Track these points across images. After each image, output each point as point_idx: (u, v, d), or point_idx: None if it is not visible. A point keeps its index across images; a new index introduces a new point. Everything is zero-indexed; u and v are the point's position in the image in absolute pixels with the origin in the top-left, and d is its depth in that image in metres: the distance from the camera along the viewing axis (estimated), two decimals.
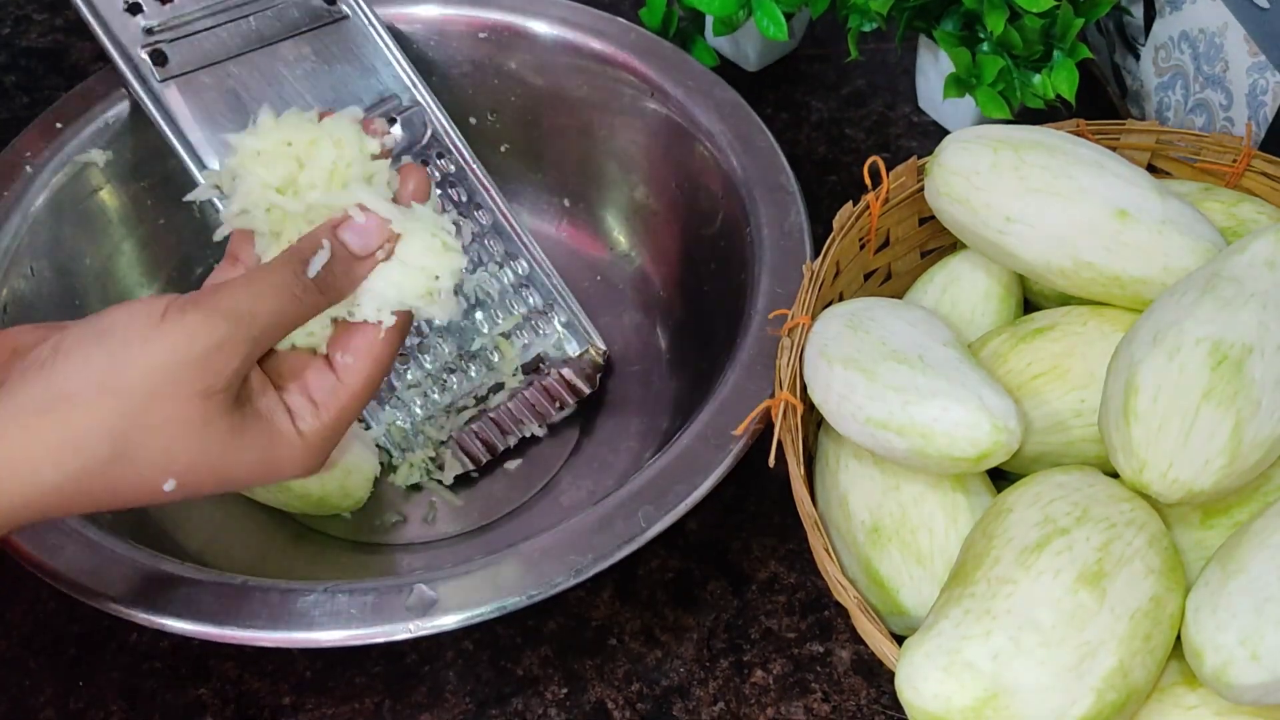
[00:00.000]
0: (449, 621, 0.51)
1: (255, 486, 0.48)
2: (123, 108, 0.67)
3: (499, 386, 0.69)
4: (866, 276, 0.64)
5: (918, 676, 0.45)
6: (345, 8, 0.69)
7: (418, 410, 0.67)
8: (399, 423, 0.67)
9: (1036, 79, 0.72)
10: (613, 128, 0.74)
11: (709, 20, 0.81)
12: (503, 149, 0.77)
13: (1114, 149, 0.62)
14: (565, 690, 0.57)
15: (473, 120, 0.75)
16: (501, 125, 0.76)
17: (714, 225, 0.69)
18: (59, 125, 0.66)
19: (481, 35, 0.74)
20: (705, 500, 0.55)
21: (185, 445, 0.41)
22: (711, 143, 0.69)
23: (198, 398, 0.41)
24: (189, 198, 0.63)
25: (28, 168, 0.65)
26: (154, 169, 0.68)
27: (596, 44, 0.73)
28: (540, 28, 0.73)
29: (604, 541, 0.53)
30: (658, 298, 0.74)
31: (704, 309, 0.70)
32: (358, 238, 0.45)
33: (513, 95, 0.75)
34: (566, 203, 0.77)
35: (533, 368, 0.70)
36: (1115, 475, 0.50)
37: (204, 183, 0.63)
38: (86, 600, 0.52)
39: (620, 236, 0.76)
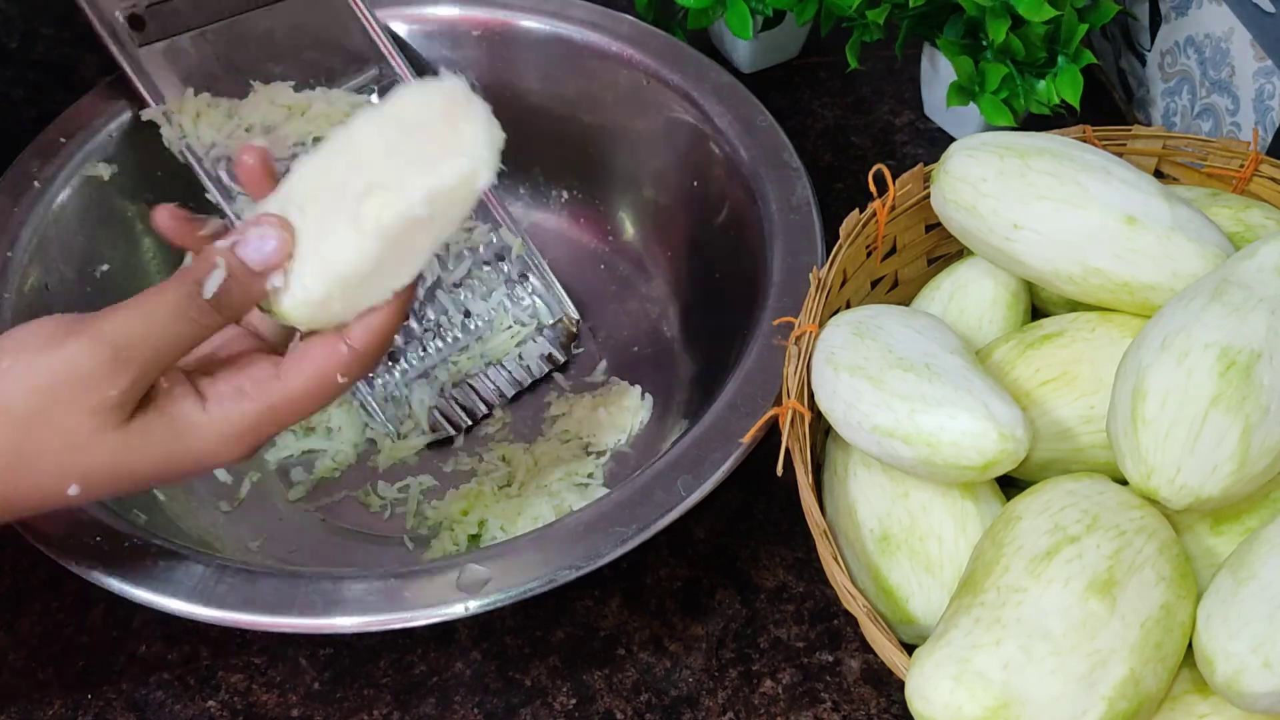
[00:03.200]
0: (503, 597, 0.51)
1: (174, 480, 0.46)
2: (125, 119, 0.68)
3: (477, 355, 0.70)
4: (873, 284, 0.64)
5: (928, 686, 0.45)
6: None
7: (397, 374, 0.68)
8: (380, 381, 0.68)
9: (1041, 85, 0.72)
10: (612, 117, 0.75)
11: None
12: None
13: (1120, 155, 0.62)
14: (574, 701, 0.57)
15: None
16: (500, 121, 0.76)
17: (720, 206, 0.70)
18: (63, 140, 0.67)
19: (475, 33, 0.75)
20: (713, 508, 0.55)
21: (78, 457, 0.43)
22: (712, 126, 0.69)
23: (85, 414, 0.42)
24: (145, 115, 0.65)
25: (35, 183, 0.65)
26: (159, 180, 0.68)
27: (591, 36, 0.73)
28: (535, 24, 0.74)
29: (645, 511, 0.53)
30: (664, 282, 0.74)
31: (714, 290, 0.70)
32: (256, 252, 0.44)
33: (511, 91, 0.76)
34: (567, 194, 0.77)
35: (509, 336, 0.71)
36: (1125, 482, 0.50)
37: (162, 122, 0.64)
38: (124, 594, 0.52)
39: (624, 224, 0.76)
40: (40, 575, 0.61)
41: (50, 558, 0.53)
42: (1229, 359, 0.47)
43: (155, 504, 0.61)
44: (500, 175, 0.77)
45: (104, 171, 0.67)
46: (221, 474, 0.66)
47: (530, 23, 0.74)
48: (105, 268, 0.67)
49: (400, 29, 0.74)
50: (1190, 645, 0.46)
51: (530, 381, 0.70)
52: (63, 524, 0.53)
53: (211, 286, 0.43)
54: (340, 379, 0.46)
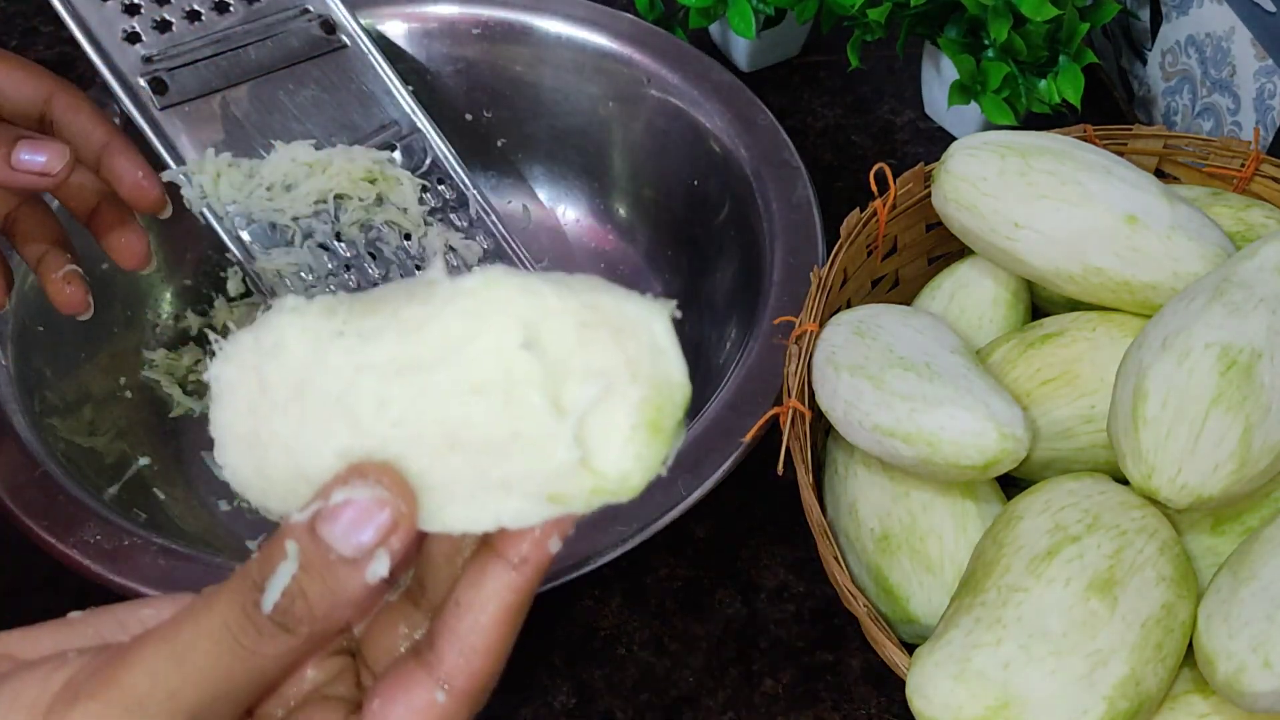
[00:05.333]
0: None
1: None
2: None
3: None
4: (874, 283, 0.64)
5: (928, 685, 0.45)
6: (344, 37, 0.69)
7: None
8: None
9: (1042, 84, 0.72)
10: (612, 116, 0.75)
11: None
12: (500, 144, 0.77)
13: (1121, 154, 0.62)
14: (574, 700, 0.57)
15: (468, 117, 0.76)
16: (498, 120, 0.77)
17: (721, 205, 0.70)
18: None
19: (475, 31, 0.74)
20: (713, 507, 0.55)
21: None
22: (712, 125, 0.69)
23: None
24: (165, 176, 0.64)
25: None
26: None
27: (592, 35, 0.73)
28: (534, 22, 0.74)
29: (645, 510, 0.53)
30: (664, 282, 0.74)
31: (714, 290, 0.70)
32: (347, 530, 0.27)
33: (508, 90, 0.76)
34: (567, 193, 0.77)
35: None
36: (1125, 482, 0.50)
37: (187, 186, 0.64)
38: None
39: (624, 223, 0.76)
40: (40, 573, 0.61)
41: (50, 556, 0.53)
42: (1230, 359, 0.47)
43: (156, 503, 0.61)
44: (499, 176, 0.78)
45: None
46: (221, 473, 0.66)
47: (530, 21, 0.74)
48: (105, 266, 0.67)
49: (400, 27, 0.74)
50: (1191, 645, 0.46)
51: None
52: (63, 522, 0.53)
53: (274, 592, 0.27)
54: None
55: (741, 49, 0.83)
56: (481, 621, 0.29)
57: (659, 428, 0.28)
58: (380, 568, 0.28)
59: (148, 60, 0.64)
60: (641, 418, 0.28)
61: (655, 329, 0.29)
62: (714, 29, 0.85)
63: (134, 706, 0.27)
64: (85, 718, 0.27)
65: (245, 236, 0.65)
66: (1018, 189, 0.55)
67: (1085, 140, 0.60)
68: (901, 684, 0.46)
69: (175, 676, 0.27)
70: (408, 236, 0.68)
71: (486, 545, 0.30)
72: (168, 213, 0.56)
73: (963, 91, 0.73)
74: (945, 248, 0.65)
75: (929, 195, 0.60)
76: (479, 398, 0.27)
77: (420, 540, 0.30)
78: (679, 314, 0.29)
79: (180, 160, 0.64)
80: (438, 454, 0.28)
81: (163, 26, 0.65)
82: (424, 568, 0.32)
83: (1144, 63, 0.76)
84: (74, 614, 0.32)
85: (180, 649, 0.28)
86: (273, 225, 0.65)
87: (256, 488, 0.30)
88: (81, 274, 0.54)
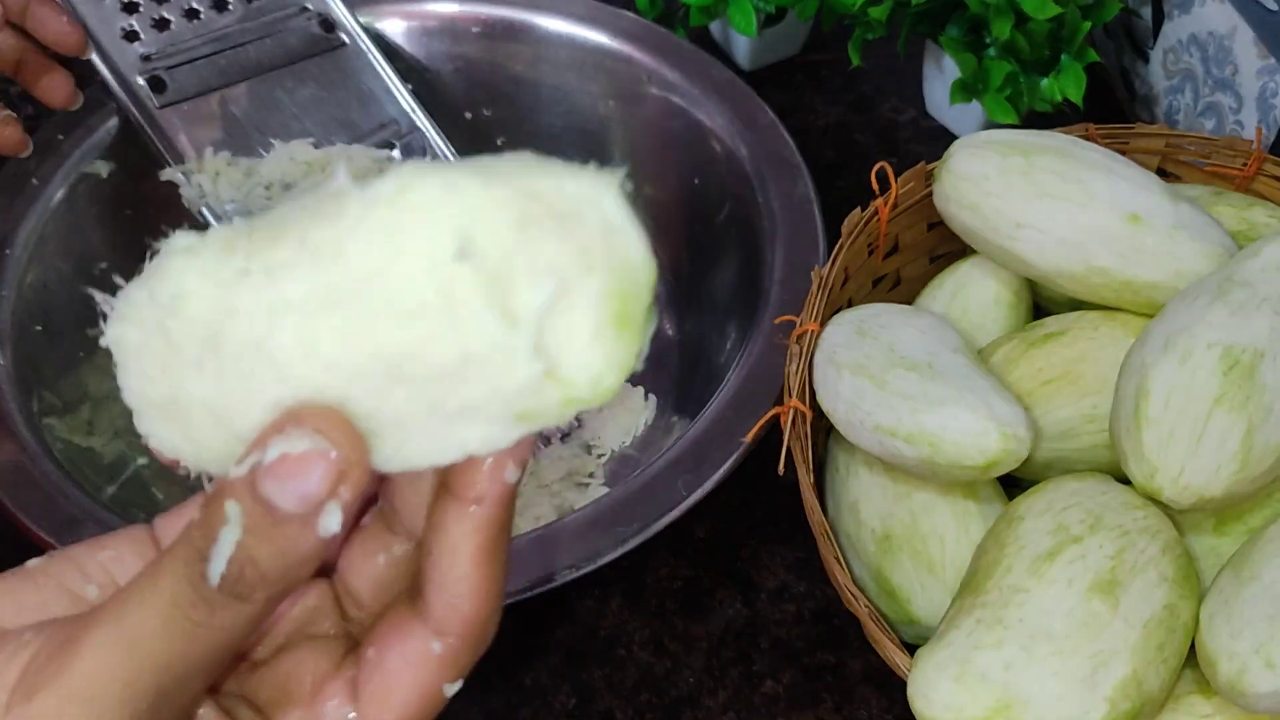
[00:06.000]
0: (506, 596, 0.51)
1: None
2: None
3: None
4: (875, 282, 0.63)
5: (929, 687, 0.44)
6: (343, 35, 0.69)
7: None
8: None
9: (1044, 83, 0.72)
10: (612, 114, 0.74)
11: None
12: (499, 142, 0.77)
13: (1123, 153, 0.61)
14: (574, 701, 0.57)
15: (468, 115, 0.76)
16: (498, 119, 0.77)
17: (721, 204, 0.70)
18: (60, 137, 0.66)
19: (475, 29, 0.74)
20: (714, 507, 0.54)
21: None
22: (713, 123, 0.69)
23: None
24: (164, 175, 0.64)
25: (33, 180, 0.65)
26: (157, 178, 0.68)
27: (592, 33, 0.73)
28: (534, 20, 0.74)
29: (645, 510, 0.53)
30: (664, 281, 0.74)
31: (715, 288, 0.70)
32: (289, 485, 0.24)
33: (508, 88, 0.76)
34: None
35: None
36: (1128, 482, 0.50)
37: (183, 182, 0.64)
38: None
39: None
40: None
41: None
42: (1232, 358, 0.47)
43: (155, 502, 0.61)
44: None
45: (102, 169, 0.67)
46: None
47: (531, 19, 0.74)
48: (104, 265, 0.67)
49: (399, 25, 0.74)
50: (1193, 646, 0.46)
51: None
52: (61, 519, 0.53)
53: (219, 562, 0.25)
54: (447, 691, 0.29)
55: (742, 47, 0.83)
56: (458, 567, 0.27)
57: (626, 318, 0.25)
58: (332, 521, 0.25)
59: (146, 59, 0.64)
60: (605, 311, 0.24)
61: (605, 206, 0.25)
62: (715, 27, 0.85)
63: (92, 698, 0.25)
64: (43, 714, 0.25)
65: None
66: (1020, 188, 0.55)
67: (1087, 139, 0.60)
68: (903, 685, 0.46)
69: (129, 664, 0.25)
70: None
71: (443, 486, 0.27)
72: (89, 53, 0.63)
73: (965, 90, 0.72)
74: (947, 247, 0.64)
75: (931, 194, 0.60)
76: (416, 322, 0.24)
77: (380, 481, 0.29)
78: (630, 185, 0.25)
79: (179, 159, 0.64)
80: (382, 391, 0.25)
81: (161, 25, 0.65)
82: (391, 493, 0.30)
83: (1146, 61, 0.76)
84: (32, 561, 0.30)
85: (129, 632, 0.25)
86: None
87: (188, 452, 0.27)
88: (16, 117, 0.64)
